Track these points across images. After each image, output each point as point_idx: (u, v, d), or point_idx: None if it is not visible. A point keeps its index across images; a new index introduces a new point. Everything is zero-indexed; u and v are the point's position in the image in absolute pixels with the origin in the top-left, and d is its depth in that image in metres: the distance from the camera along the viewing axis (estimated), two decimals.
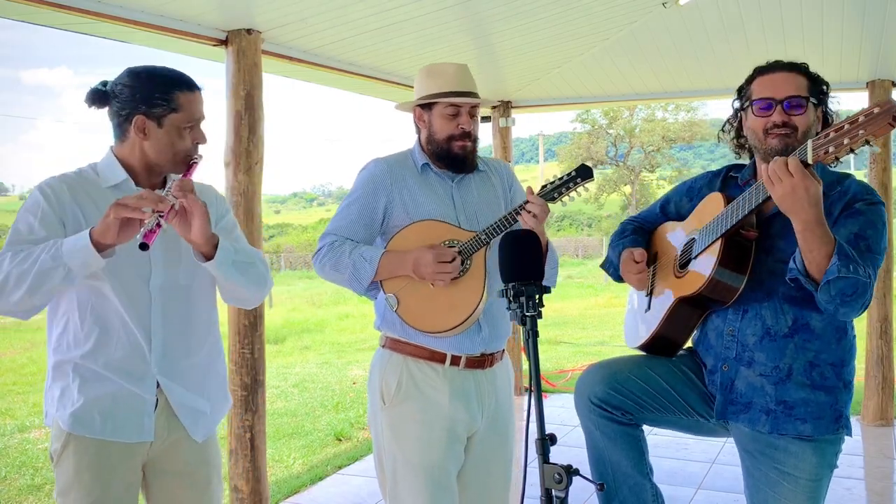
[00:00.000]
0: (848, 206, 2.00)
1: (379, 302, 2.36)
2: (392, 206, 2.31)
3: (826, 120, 2.10)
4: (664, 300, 2.24)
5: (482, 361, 2.31)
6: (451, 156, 2.31)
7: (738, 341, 2.11)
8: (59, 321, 1.94)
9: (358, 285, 2.28)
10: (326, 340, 12.61)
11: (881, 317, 5.52)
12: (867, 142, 1.70)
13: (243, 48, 3.62)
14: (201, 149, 2.00)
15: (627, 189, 44.01)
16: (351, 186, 2.40)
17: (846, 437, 2.11)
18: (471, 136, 2.32)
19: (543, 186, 2.25)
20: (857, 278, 1.85)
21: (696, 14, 4.42)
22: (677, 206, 2.38)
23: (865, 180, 5.63)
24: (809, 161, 1.79)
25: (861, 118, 1.70)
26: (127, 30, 3.34)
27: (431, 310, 2.22)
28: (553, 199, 2.23)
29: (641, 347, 2.30)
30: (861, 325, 5.75)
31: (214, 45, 3.65)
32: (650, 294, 2.35)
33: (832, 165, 1.85)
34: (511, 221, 2.20)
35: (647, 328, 2.29)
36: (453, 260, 2.19)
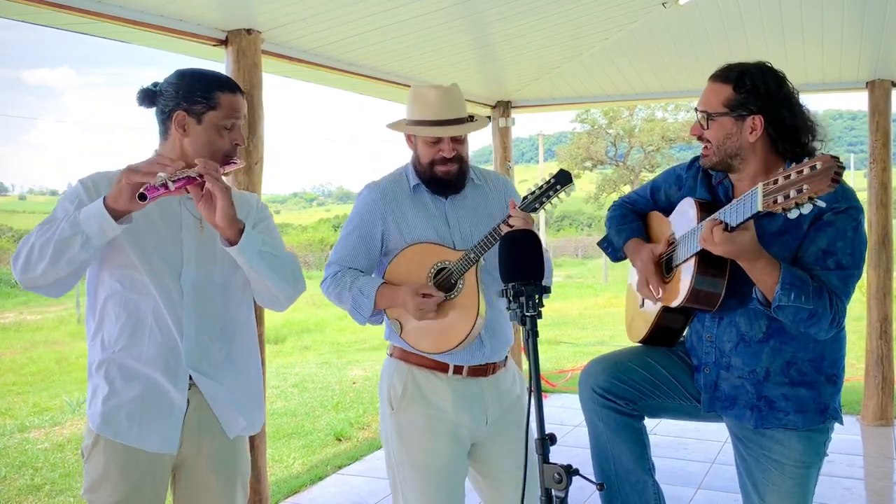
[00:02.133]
0: (817, 218, 1.96)
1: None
2: (388, 231, 2.36)
3: (783, 125, 2.01)
4: (653, 307, 2.29)
5: (485, 370, 2.36)
6: (436, 179, 2.34)
7: (715, 347, 2.15)
8: (96, 319, 1.98)
9: (360, 317, 2.35)
10: (326, 340, 12.61)
11: (881, 317, 5.51)
12: (811, 199, 1.65)
13: (243, 48, 3.62)
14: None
15: (627, 189, 43.99)
16: (351, 209, 2.45)
17: (838, 426, 2.13)
18: (454, 160, 2.30)
19: (524, 198, 2.25)
20: (799, 307, 1.88)
21: (696, 14, 4.42)
22: (667, 194, 2.39)
23: (865, 181, 5.61)
24: (759, 209, 1.76)
25: (805, 170, 1.67)
26: (127, 30, 3.34)
27: (432, 332, 2.29)
28: (535, 210, 2.22)
29: (643, 341, 2.34)
30: (861, 325, 5.74)
31: (214, 45, 3.65)
32: None
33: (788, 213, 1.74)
34: (496, 236, 2.20)
35: (644, 324, 2.33)
36: (433, 294, 2.23)
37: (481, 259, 2.24)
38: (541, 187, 2.23)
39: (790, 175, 1.69)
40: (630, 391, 2.19)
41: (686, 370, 2.23)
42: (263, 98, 3.71)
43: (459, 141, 2.31)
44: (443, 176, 2.32)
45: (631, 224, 2.41)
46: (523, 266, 1.70)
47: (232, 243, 1.90)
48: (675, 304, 2.12)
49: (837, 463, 4.58)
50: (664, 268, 2.25)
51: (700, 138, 2.11)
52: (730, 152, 2.05)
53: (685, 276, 2.09)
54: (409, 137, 2.37)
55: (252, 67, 3.64)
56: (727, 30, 4.60)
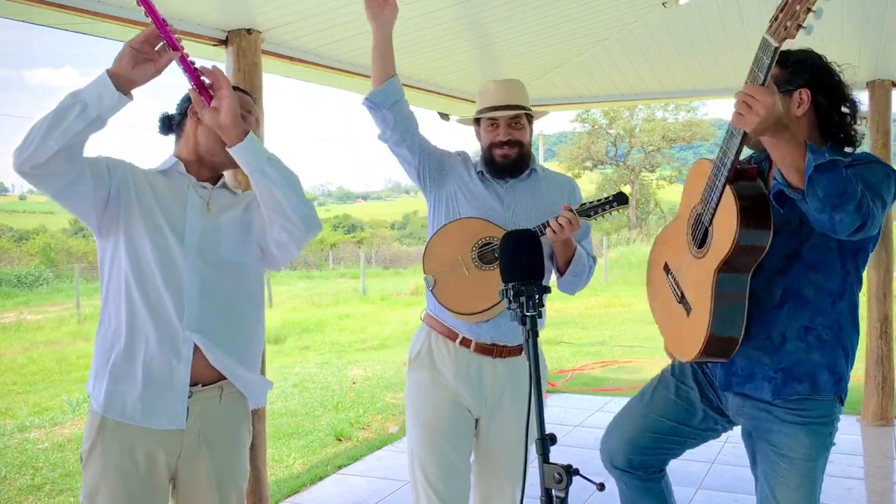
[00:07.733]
0: (849, 166, 1.96)
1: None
2: (446, 184, 2.54)
3: (830, 94, 2.04)
4: (703, 287, 2.09)
5: (491, 350, 2.45)
6: (494, 163, 2.51)
7: None
8: (104, 315, 2.00)
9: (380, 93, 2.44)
10: (326, 340, 12.60)
11: (881, 317, 5.51)
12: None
13: (243, 48, 3.62)
14: None
15: (627, 189, 43.95)
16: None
17: (841, 418, 2.15)
18: (511, 144, 2.48)
19: (582, 204, 2.42)
20: (833, 175, 1.78)
21: (696, 14, 4.42)
22: None
23: None
24: (774, 44, 1.74)
25: None
26: (127, 30, 3.34)
27: (463, 294, 2.41)
28: (588, 217, 2.41)
29: (699, 356, 2.11)
30: (861, 326, 5.73)
31: (214, 45, 3.65)
32: (682, 300, 2.21)
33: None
34: (544, 228, 2.36)
35: (697, 332, 2.11)
36: None
37: None
38: (599, 200, 2.43)
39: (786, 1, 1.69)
40: (648, 459, 2.27)
41: (691, 411, 2.27)
42: (263, 98, 3.71)
43: (515, 127, 2.49)
44: (500, 159, 2.49)
45: None
46: (523, 266, 1.70)
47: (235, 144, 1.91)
48: (725, 252, 1.97)
49: (837, 463, 4.58)
50: (694, 248, 2.15)
51: None
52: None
53: (726, 216, 1.98)
54: (476, 130, 2.58)
55: (252, 67, 3.64)
56: (727, 30, 4.60)
